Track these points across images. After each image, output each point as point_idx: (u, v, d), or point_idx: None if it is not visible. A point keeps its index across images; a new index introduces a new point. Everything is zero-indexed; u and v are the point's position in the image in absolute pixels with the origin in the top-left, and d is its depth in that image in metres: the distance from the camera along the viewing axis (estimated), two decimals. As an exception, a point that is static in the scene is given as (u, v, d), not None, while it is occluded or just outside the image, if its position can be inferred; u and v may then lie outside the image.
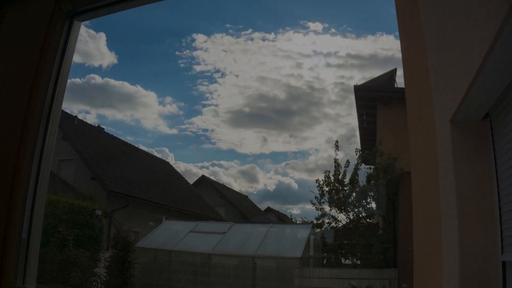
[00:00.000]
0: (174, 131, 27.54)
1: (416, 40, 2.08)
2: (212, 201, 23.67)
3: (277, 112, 27.55)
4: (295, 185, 30.98)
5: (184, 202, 19.98)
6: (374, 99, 13.62)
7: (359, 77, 26.60)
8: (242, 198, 28.76)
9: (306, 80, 26.79)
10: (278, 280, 10.69)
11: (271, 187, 31.84)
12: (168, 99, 26.22)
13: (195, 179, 25.79)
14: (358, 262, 11.51)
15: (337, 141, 12.68)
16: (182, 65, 24.75)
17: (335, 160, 12.25)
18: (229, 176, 34.28)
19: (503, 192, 1.65)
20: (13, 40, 1.64)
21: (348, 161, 12.09)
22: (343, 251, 12.32)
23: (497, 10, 1.13)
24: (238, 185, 36.75)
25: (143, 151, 22.37)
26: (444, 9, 1.75)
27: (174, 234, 12.97)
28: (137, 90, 25.36)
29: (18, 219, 1.47)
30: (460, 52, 1.60)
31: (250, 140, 29.39)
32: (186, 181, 24.06)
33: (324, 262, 13.51)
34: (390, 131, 11.97)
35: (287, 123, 28.90)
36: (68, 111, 17.95)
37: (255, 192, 30.68)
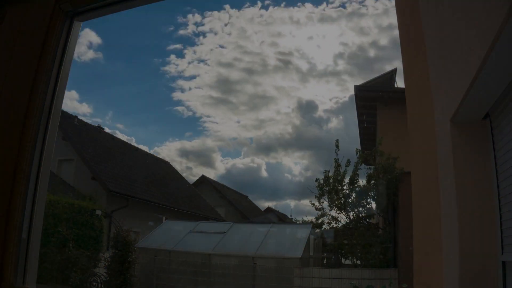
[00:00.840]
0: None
1: (416, 40, 2.08)
2: (212, 201, 23.66)
3: (215, 86, 23.04)
4: (263, 172, 28.88)
5: (184, 202, 19.99)
6: (374, 99, 13.60)
7: (290, 37, 21.77)
8: (242, 198, 28.73)
9: (230, 42, 21.94)
10: (278, 280, 10.68)
11: (233, 173, 28.69)
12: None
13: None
14: (358, 262, 11.51)
15: (337, 140, 12.66)
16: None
17: (335, 160, 12.26)
18: (172, 157, 29.64)
19: (503, 192, 1.65)
20: (13, 40, 1.64)
21: (348, 160, 12.10)
22: (343, 251, 12.31)
23: (497, 10, 1.12)
24: (197, 170, 33.69)
25: (143, 151, 22.36)
26: (444, 9, 1.75)
27: (174, 234, 12.95)
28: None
29: (18, 219, 1.46)
30: (460, 52, 1.60)
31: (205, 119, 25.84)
32: (186, 181, 24.06)
33: (324, 262, 13.49)
34: (390, 131, 11.96)
35: (236, 97, 25.00)
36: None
37: (214, 179, 28.16)
